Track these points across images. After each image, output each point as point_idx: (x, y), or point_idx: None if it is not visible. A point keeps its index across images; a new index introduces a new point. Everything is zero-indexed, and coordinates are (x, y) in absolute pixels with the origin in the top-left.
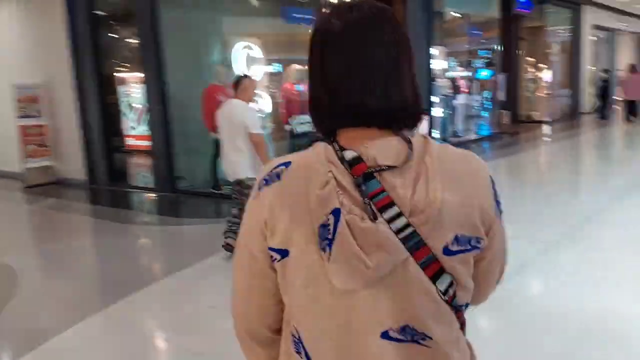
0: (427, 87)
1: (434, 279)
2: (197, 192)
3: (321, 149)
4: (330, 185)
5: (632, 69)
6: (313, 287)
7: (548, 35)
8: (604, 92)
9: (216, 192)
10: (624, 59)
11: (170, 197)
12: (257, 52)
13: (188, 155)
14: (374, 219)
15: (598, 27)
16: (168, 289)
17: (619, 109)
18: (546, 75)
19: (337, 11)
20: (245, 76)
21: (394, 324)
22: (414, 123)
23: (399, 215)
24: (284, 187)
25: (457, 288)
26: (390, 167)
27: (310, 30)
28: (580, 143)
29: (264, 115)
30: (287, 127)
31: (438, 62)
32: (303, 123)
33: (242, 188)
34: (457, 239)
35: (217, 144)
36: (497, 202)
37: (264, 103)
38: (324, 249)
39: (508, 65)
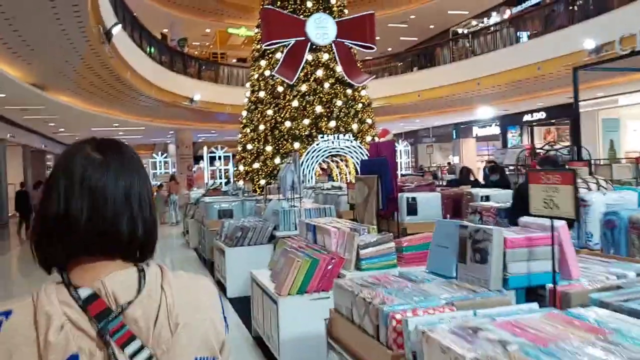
0: None
1: None
2: None
3: (51, 290)
4: (65, 329)
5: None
6: None
7: None
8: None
9: None
10: (14, 172)
11: None
12: None
13: None
14: (124, 356)
15: None
16: None
17: None
18: None
19: (90, 143)
20: None
21: None
22: (150, 253)
23: (142, 348)
24: (7, 340)
25: None
26: (129, 302)
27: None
28: None
29: None
30: None
31: None
32: None
33: None
34: None
35: None
36: (225, 317)
37: None
38: None
39: None
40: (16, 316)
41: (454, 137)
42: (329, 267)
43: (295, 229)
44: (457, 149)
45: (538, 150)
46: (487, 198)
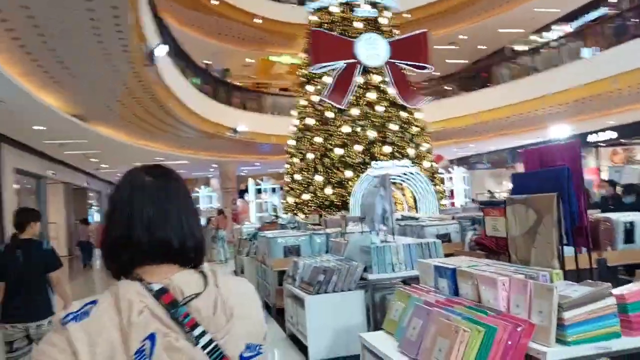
0: None
1: None
2: None
3: (128, 284)
4: (145, 313)
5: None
6: None
7: None
8: None
9: None
10: (55, 210)
11: None
12: None
13: None
14: (191, 338)
15: (22, 172)
16: None
17: None
18: None
19: (143, 169)
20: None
21: None
22: (202, 259)
23: (204, 333)
24: (95, 323)
25: None
26: (196, 295)
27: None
28: None
29: None
30: None
31: None
32: None
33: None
34: (248, 347)
35: None
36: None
37: None
38: None
39: None
40: (102, 304)
41: (509, 162)
42: (515, 339)
43: (393, 270)
44: None
45: None
46: (632, 225)
